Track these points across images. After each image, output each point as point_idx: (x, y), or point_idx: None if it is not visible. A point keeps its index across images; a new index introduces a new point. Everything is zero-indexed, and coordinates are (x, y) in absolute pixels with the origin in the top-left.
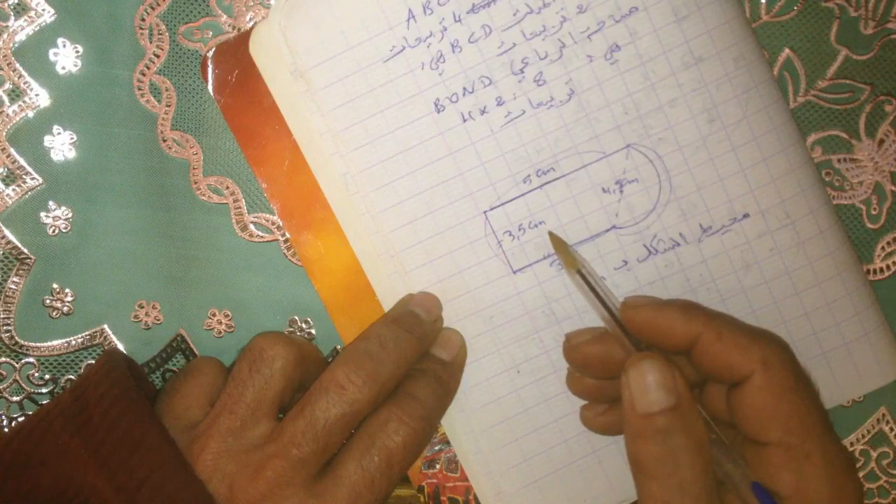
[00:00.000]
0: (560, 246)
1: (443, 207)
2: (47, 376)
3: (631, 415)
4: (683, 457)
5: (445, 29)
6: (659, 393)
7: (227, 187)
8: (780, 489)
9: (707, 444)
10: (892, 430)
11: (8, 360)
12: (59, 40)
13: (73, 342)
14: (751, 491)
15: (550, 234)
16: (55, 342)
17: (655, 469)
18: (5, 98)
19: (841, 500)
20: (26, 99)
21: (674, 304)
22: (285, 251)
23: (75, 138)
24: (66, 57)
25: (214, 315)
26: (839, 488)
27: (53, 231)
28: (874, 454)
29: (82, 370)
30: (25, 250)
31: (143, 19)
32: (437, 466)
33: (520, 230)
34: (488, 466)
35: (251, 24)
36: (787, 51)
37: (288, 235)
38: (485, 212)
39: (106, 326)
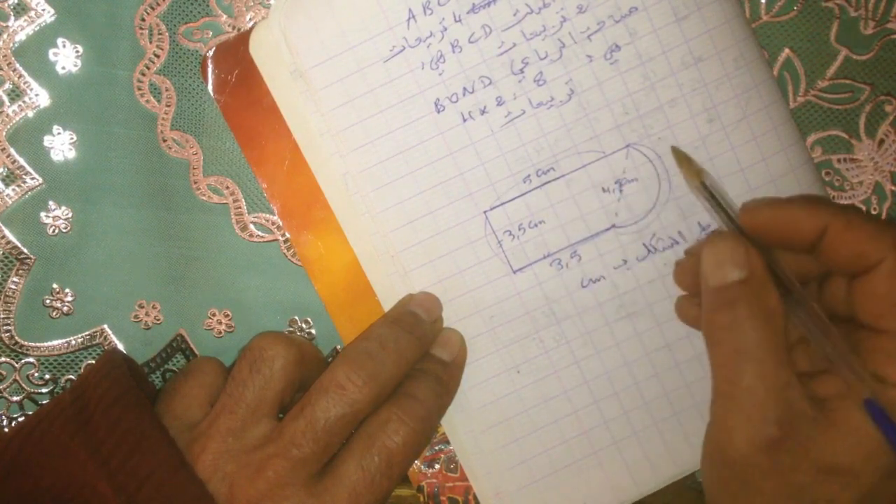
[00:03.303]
0: (682, 158)
1: (443, 207)
2: (47, 376)
3: (705, 291)
4: (747, 325)
5: (445, 29)
6: (728, 267)
7: (227, 187)
8: (888, 376)
9: (778, 316)
10: None
11: (8, 360)
12: (59, 40)
13: (73, 342)
14: (850, 372)
15: (674, 148)
16: (55, 342)
17: (719, 336)
18: (5, 98)
19: None
20: (26, 99)
21: (795, 199)
22: (285, 251)
23: (75, 138)
24: (66, 57)
25: (214, 315)
26: None
27: (53, 231)
28: None
29: (82, 370)
30: (25, 250)
31: (143, 19)
32: (437, 466)
33: (520, 230)
34: (488, 466)
35: (251, 24)
36: (787, 51)
37: (288, 235)
38: (485, 212)
39: (106, 326)
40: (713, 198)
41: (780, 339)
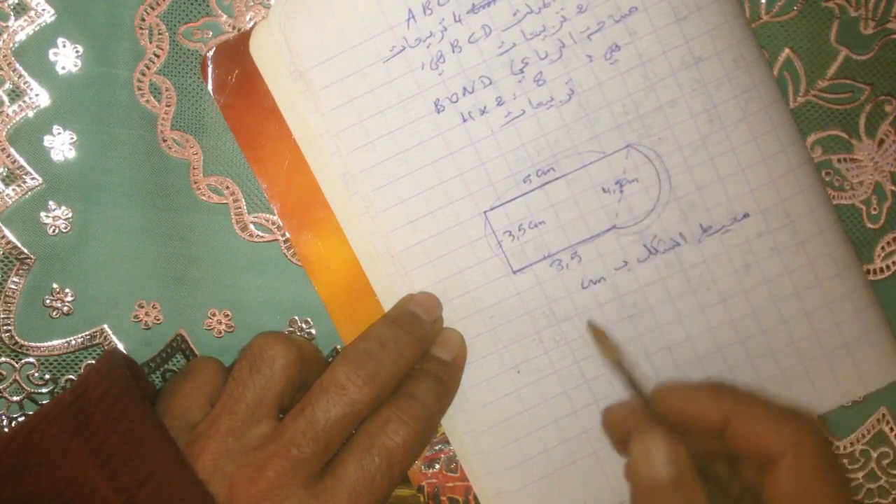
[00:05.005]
0: (600, 336)
1: (443, 207)
2: (47, 376)
3: (634, 483)
4: None
5: (445, 29)
6: (659, 465)
7: (227, 187)
8: None
9: None
10: (892, 430)
11: (8, 360)
12: (59, 40)
13: (73, 342)
14: None
15: (590, 324)
16: (55, 342)
17: None
18: (5, 98)
19: None
20: (26, 99)
21: (702, 387)
22: (285, 251)
23: (75, 138)
24: (66, 57)
25: (214, 315)
26: None
27: (53, 231)
28: (874, 454)
29: (82, 370)
30: (25, 250)
31: (143, 19)
32: (437, 466)
33: (520, 230)
34: (488, 466)
35: (251, 24)
36: (787, 51)
37: (288, 235)
38: (485, 212)
39: (106, 326)
40: (629, 377)
41: None
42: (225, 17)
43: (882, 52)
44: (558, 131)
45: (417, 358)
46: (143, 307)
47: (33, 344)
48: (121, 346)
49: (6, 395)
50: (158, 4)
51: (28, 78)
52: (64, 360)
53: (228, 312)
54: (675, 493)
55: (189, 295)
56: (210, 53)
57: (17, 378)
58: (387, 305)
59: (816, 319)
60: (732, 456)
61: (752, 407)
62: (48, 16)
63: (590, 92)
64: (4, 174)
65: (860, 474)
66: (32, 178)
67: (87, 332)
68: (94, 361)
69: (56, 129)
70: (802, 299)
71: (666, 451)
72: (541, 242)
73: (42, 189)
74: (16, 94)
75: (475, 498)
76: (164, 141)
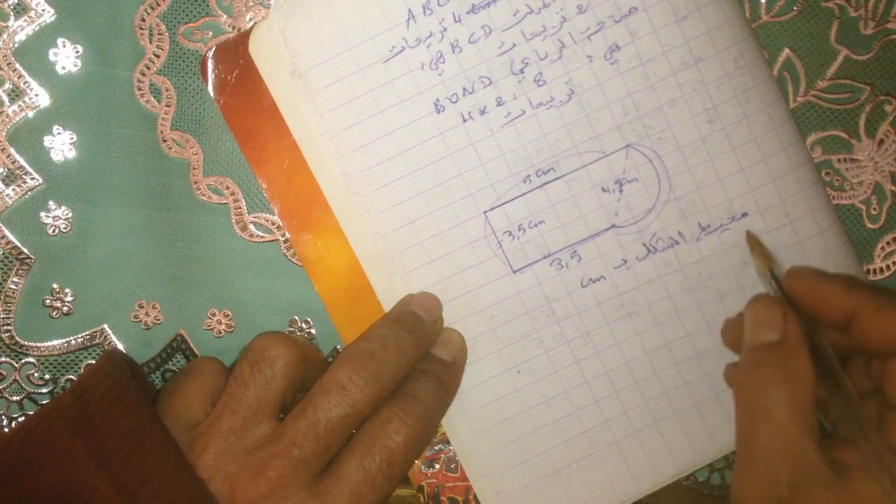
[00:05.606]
0: (755, 245)
1: (443, 208)
2: (47, 376)
3: (742, 348)
4: (771, 387)
5: (445, 29)
6: (764, 328)
7: (227, 187)
8: None
9: (806, 382)
10: None
11: (8, 360)
12: (59, 40)
13: (73, 342)
14: (868, 448)
15: (748, 233)
16: (55, 342)
17: (744, 394)
18: (5, 98)
19: None
20: (26, 99)
21: (836, 277)
22: (285, 251)
23: (75, 138)
24: (66, 57)
25: (214, 315)
26: None
27: (53, 231)
28: None
29: (82, 370)
30: (25, 250)
31: (143, 19)
32: (437, 466)
33: (520, 230)
34: (488, 466)
35: (251, 24)
36: (787, 51)
37: (288, 235)
38: (485, 212)
39: (106, 326)
40: (781, 289)
41: (804, 403)
42: (225, 17)
43: (882, 52)
44: (558, 131)
45: (418, 358)
46: (143, 307)
47: (33, 344)
48: (121, 346)
49: (6, 395)
50: (158, 4)
51: (28, 78)
52: (64, 360)
53: (228, 312)
54: (775, 356)
55: (189, 295)
56: (210, 53)
57: (17, 378)
58: (387, 305)
59: None
60: (849, 353)
61: (882, 299)
62: (48, 16)
63: (590, 92)
64: (4, 174)
65: None
66: (32, 178)
67: (87, 332)
68: (94, 361)
69: (56, 129)
70: None
71: (773, 315)
72: (541, 242)
73: (42, 189)
74: (16, 94)
75: (475, 498)
76: (164, 141)
